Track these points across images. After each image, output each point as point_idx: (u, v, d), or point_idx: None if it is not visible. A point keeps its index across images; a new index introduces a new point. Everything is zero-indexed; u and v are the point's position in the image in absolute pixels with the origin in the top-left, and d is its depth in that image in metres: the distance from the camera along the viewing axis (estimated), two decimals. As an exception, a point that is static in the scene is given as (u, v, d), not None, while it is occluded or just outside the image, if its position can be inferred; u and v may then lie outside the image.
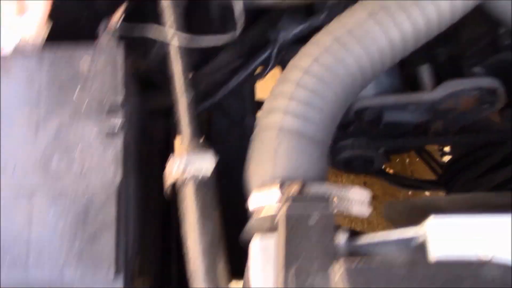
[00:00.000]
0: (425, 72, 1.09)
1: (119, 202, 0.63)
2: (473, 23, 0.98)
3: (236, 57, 1.13)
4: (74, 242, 0.61)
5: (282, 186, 0.60)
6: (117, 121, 0.65)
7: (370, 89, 1.06)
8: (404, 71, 1.18)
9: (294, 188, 0.58)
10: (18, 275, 0.60)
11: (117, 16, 0.73)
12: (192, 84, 1.09)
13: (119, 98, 0.66)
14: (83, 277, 0.60)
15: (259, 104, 1.37)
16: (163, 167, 0.66)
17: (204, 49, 1.17)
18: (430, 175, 1.35)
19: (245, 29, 1.15)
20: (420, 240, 0.55)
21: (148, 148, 0.79)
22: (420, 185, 1.30)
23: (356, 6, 0.72)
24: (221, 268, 0.59)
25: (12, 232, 0.62)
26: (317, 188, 0.59)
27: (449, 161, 1.24)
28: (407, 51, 0.75)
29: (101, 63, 0.68)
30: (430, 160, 1.35)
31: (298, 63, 0.67)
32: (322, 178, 0.64)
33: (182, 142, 0.65)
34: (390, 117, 1.06)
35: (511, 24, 0.86)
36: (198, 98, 1.10)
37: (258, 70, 1.16)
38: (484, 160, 1.10)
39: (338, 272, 0.51)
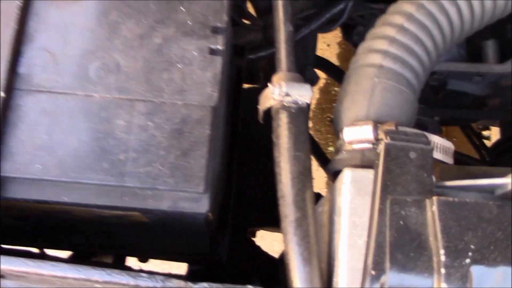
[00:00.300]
0: (490, 47, 1.09)
1: (213, 121, 0.66)
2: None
3: (311, 5, 1.13)
4: (169, 154, 0.64)
5: (375, 124, 0.62)
6: (220, 42, 0.67)
7: (438, 55, 1.07)
8: (470, 43, 1.19)
9: (390, 126, 0.59)
10: (114, 179, 0.63)
11: None
12: (265, 25, 1.10)
13: (223, 20, 0.68)
14: (174, 188, 0.63)
15: (319, 60, 1.38)
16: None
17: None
18: (467, 152, 1.37)
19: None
20: (508, 188, 0.57)
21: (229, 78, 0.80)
22: (464, 159, 1.31)
23: None
24: (309, 195, 0.61)
25: (112, 135, 0.64)
26: (410, 130, 0.61)
27: (497, 141, 1.25)
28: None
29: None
30: (473, 137, 1.36)
31: (401, 8, 0.68)
32: (412, 124, 0.66)
33: (279, 71, 0.67)
34: (454, 85, 1.07)
35: None
36: (267, 43, 1.12)
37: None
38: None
39: (432, 206, 0.53)
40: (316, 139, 1.62)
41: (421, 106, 1.14)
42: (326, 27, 1.18)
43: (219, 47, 0.67)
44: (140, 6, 0.68)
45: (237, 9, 1.03)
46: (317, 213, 0.62)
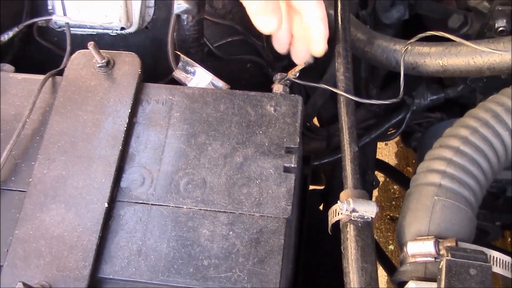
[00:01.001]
0: None
1: (287, 232, 0.73)
2: None
3: (371, 115, 1.23)
4: (248, 260, 0.71)
5: (436, 240, 0.67)
6: (293, 161, 0.76)
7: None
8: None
9: (451, 243, 0.65)
10: (198, 282, 0.70)
11: (296, 70, 0.85)
12: (328, 133, 1.20)
13: (296, 141, 0.77)
14: (250, 294, 0.70)
15: (378, 162, 1.45)
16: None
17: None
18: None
19: (382, 90, 1.25)
20: None
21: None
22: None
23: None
24: (375, 305, 0.66)
25: (197, 243, 0.73)
26: (469, 246, 0.66)
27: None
28: None
29: (284, 109, 0.79)
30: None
31: (456, 132, 0.76)
32: (471, 239, 0.71)
33: (346, 188, 0.75)
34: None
35: None
36: (330, 148, 1.21)
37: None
38: None
39: (494, 323, 0.57)
40: (376, 237, 1.65)
41: (482, 212, 1.18)
42: (386, 136, 1.27)
43: (292, 165, 0.76)
44: (225, 129, 0.79)
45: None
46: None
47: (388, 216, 1.88)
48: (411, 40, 0.87)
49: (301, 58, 0.85)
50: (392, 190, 1.92)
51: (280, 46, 0.85)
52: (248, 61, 1.06)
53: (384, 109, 1.22)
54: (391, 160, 1.93)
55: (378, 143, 1.46)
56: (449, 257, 0.62)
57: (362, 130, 1.20)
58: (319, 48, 0.79)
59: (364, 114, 1.22)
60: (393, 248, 1.80)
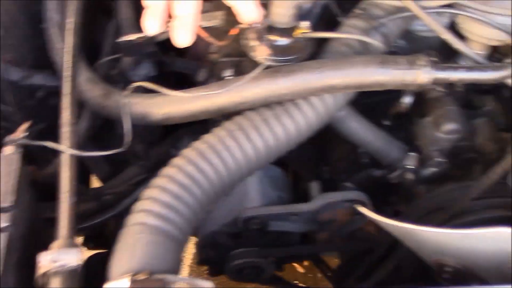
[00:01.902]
0: (314, 188, 1.24)
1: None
2: (340, 143, 1.16)
3: (142, 171, 1.26)
4: None
5: (133, 276, 0.70)
6: (3, 223, 0.75)
7: (257, 201, 1.20)
8: (296, 186, 1.34)
9: (144, 276, 0.68)
10: None
11: (22, 129, 0.86)
12: (97, 193, 1.21)
13: (8, 202, 0.77)
14: None
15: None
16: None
17: (113, 161, 1.30)
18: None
19: (153, 145, 1.30)
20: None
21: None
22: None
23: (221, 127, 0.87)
24: None
25: None
26: (164, 277, 0.69)
27: (337, 266, 1.36)
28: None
29: (2, 169, 0.79)
30: (324, 267, 1.47)
31: (165, 171, 0.81)
32: (176, 272, 0.74)
33: (57, 238, 0.75)
34: (275, 226, 1.19)
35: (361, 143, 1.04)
36: (102, 208, 1.21)
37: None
38: (364, 263, 1.23)
39: None
40: None
41: (254, 249, 1.25)
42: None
43: (3, 226, 0.76)
44: None
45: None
46: None
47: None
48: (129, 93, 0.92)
49: None
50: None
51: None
52: None
53: (156, 164, 1.26)
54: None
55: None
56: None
57: (132, 186, 1.22)
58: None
59: (134, 171, 1.24)
60: None
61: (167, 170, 0.82)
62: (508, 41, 0.95)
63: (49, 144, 0.90)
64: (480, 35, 0.98)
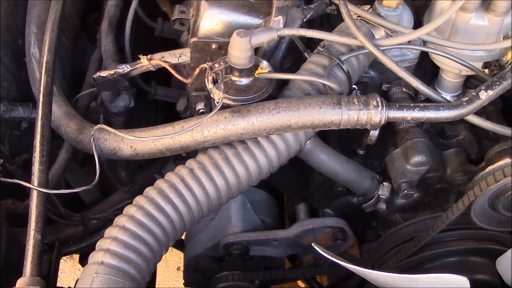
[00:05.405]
0: (301, 210, 1.25)
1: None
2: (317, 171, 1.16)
3: (127, 196, 1.29)
4: None
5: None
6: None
7: (237, 227, 1.21)
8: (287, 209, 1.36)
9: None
10: None
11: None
12: (83, 218, 1.24)
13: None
14: None
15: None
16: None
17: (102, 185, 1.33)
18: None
19: (138, 171, 1.33)
20: None
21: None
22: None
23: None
24: None
25: None
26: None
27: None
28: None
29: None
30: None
31: (126, 210, 0.84)
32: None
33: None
34: (255, 251, 1.21)
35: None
36: (88, 233, 1.25)
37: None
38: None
39: None
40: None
41: (237, 273, 1.26)
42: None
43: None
44: None
45: (51, 208, 1.17)
46: None
47: None
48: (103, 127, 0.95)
49: None
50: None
51: None
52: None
53: (141, 189, 1.29)
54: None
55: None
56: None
57: (118, 211, 1.25)
58: None
59: (121, 196, 1.28)
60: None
61: (126, 209, 0.84)
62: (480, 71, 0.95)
63: (19, 181, 0.93)
64: (451, 66, 0.98)
